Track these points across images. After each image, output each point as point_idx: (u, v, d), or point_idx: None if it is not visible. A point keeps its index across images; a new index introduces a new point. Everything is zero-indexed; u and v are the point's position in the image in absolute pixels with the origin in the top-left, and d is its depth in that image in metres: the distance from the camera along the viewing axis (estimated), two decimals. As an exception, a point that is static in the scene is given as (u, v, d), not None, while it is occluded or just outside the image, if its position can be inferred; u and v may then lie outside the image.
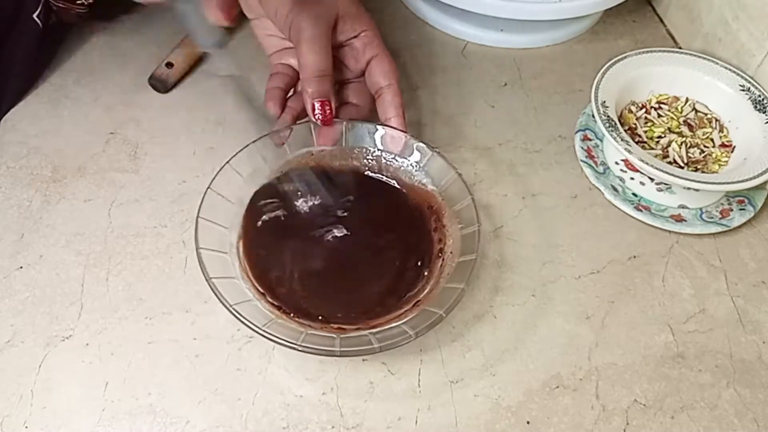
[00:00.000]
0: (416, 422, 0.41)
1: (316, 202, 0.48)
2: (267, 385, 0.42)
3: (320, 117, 0.47)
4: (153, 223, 0.50)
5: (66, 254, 0.48)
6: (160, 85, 0.58)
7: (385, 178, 0.50)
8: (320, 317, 0.43)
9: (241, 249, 0.45)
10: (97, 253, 0.48)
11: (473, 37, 0.65)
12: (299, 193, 0.48)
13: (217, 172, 0.45)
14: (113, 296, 0.46)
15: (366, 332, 0.41)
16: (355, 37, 0.48)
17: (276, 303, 0.43)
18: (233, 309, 0.40)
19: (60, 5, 0.56)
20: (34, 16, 0.54)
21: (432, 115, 0.58)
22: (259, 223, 0.46)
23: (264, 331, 0.39)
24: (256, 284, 0.43)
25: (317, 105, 0.46)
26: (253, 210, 0.47)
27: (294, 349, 0.39)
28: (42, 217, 0.49)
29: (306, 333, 0.40)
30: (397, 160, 0.49)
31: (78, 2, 0.56)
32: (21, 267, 0.47)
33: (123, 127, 0.55)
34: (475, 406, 0.42)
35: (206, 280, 0.41)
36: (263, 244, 0.46)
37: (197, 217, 0.43)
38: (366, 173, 0.50)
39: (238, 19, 0.41)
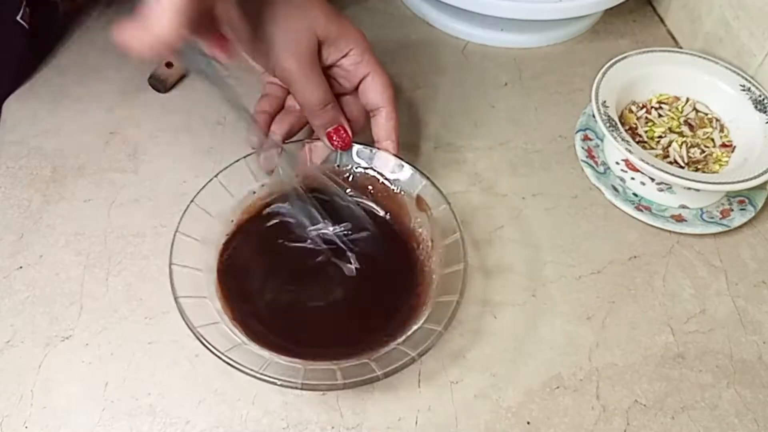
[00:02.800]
0: (416, 422, 0.41)
1: (299, 235, 0.46)
2: (267, 385, 0.42)
3: (339, 144, 0.47)
4: (153, 223, 0.50)
5: (66, 254, 0.48)
6: (160, 85, 0.57)
7: (367, 202, 0.49)
8: (315, 354, 0.41)
9: (220, 291, 0.43)
10: (96, 253, 0.48)
11: (473, 36, 0.65)
12: (282, 224, 0.47)
13: (205, 185, 0.45)
14: (113, 296, 0.46)
15: (365, 360, 0.40)
16: (343, 57, 0.46)
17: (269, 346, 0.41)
18: (226, 357, 0.38)
19: None
20: (18, 18, 0.54)
21: (432, 115, 0.58)
22: (237, 258, 0.45)
23: (262, 374, 0.37)
24: (243, 329, 0.41)
25: (332, 133, 0.46)
26: (233, 240, 0.45)
27: (296, 388, 0.38)
28: (42, 217, 0.49)
29: (305, 368, 0.39)
30: (382, 175, 0.48)
31: None
32: (21, 267, 0.47)
33: (123, 127, 0.55)
34: (475, 406, 0.42)
35: (191, 330, 0.39)
36: (244, 280, 0.44)
37: (175, 231, 0.42)
38: (349, 199, 0.48)
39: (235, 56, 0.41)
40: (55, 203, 0.50)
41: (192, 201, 0.44)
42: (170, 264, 0.41)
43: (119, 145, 0.54)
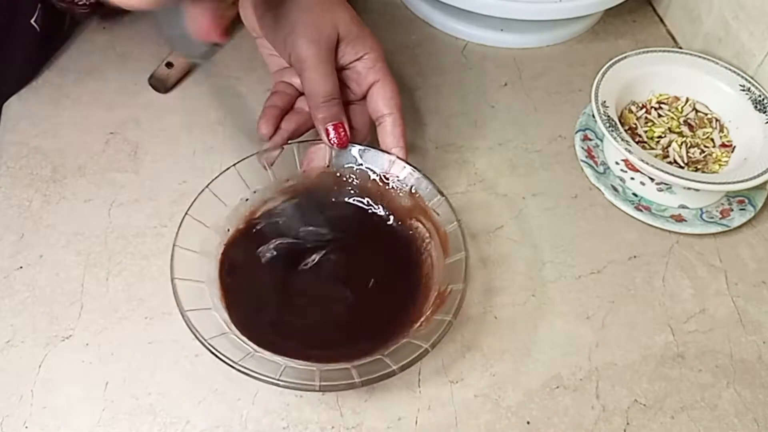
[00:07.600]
0: (416, 422, 0.41)
1: (298, 236, 0.46)
2: (267, 385, 0.42)
3: (335, 141, 0.46)
4: (153, 223, 0.50)
5: (66, 254, 0.48)
6: (160, 85, 0.57)
7: (368, 203, 0.49)
8: (327, 356, 0.41)
9: (224, 301, 0.43)
10: (97, 253, 0.48)
11: (473, 36, 0.65)
12: (281, 227, 0.47)
13: (197, 196, 0.44)
14: (113, 296, 0.46)
15: (378, 356, 0.40)
16: (357, 59, 0.47)
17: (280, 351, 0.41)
18: (242, 367, 0.38)
19: (63, 4, 0.56)
20: (32, 21, 0.54)
21: (432, 115, 0.58)
22: (238, 267, 0.45)
23: (281, 380, 0.37)
24: (251, 337, 0.41)
25: (331, 129, 0.46)
26: (231, 249, 0.45)
27: (315, 391, 0.38)
28: (42, 217, 0.49)
29: (320, 371, 0.39)
30: (374, 171, 0.48)
31: (80, 3, 0.56)
32: (21, 267, 0.47)
33: (123, 127, 0.55)
34: (475, 406, 0.42)
35: (202, 343, 0.38)
36: (247, 288, 0.44)
37: (173, 245, 0.41)
38: (350, 200, 0.48)
39: (227, 36, 0.38)
40: (56, 203, 0.50)
41: (186, 213, 0.43)
42: (172, 279, 0.40)
43: (119, 145, 0.54)
